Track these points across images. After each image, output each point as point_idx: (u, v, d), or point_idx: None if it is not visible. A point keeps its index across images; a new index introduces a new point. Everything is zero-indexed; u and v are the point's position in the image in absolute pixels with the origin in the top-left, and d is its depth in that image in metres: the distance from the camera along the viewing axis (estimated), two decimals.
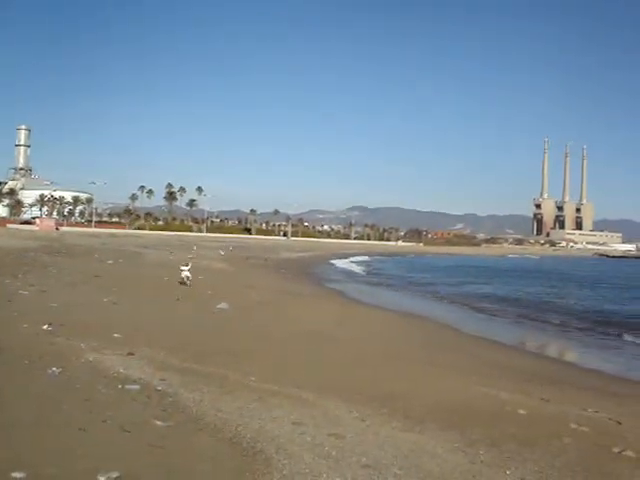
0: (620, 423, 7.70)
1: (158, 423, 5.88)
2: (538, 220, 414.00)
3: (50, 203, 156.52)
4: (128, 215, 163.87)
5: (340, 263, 64.28)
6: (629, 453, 6.40)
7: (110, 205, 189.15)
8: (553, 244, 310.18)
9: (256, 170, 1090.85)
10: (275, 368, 9.28)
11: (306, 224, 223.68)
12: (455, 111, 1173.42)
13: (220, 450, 5.37)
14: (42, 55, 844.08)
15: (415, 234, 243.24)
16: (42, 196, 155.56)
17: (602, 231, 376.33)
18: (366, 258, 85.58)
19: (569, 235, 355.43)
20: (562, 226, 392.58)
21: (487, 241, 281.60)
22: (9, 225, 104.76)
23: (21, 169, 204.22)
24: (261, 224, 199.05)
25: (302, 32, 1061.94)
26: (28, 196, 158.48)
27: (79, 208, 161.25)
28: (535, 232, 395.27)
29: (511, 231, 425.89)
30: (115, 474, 4.53)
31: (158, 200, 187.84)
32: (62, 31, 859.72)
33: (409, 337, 15.50)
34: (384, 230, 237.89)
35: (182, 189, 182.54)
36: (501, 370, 11.48)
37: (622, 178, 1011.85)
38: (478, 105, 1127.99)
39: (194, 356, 9.35)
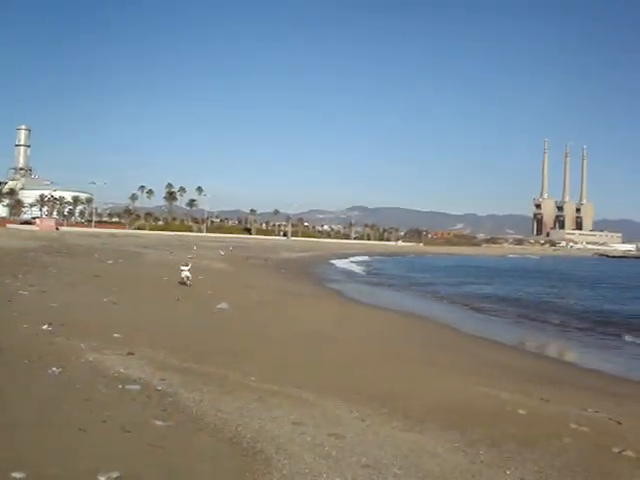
0: (620, 423, 7.71)
1: (158, 423, 5.88)
2: (538, 220, 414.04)
3: (50, 203, 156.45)
4: (128, 215, 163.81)
5: (340, 263, 64.25)
6: (629, 453, 6.41)
7: (110, 205, 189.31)
8: (553, 244, 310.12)
9: (256, 170, 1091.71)
10: (275, 368, 9.28)
11: (306, 224, 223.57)
12: (455, 111, 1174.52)
13: (220, 450, 5.38)
14: (42, 55, 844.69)
15: (415, 234, 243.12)
16: (42, 196, 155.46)
17: (602, 231, 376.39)
18: (366, 258, 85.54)
19: (569, 235, 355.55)
20: (562, 226, 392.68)
21: (487, 241, 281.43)
22: (9, 225, 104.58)
23: (21, 169, 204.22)
24: (261, 224, 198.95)
25: (302, 32, 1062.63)
26: (28, 196, 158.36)
27: (79, 208, 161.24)
28: (535, 232, 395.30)
29: (511, 231, 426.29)
30: (115, 474, 4.54)
31: (158, 200, 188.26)
32: (62, 31, 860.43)
33: (409, 337, 15.50)
34: (384, 230, 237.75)
35: (182, 189, 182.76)
36: (501, 370, 11.48)
37: (622, 178, 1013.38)
38: (478, 105, 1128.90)
39: (194, 356, 9.35)
